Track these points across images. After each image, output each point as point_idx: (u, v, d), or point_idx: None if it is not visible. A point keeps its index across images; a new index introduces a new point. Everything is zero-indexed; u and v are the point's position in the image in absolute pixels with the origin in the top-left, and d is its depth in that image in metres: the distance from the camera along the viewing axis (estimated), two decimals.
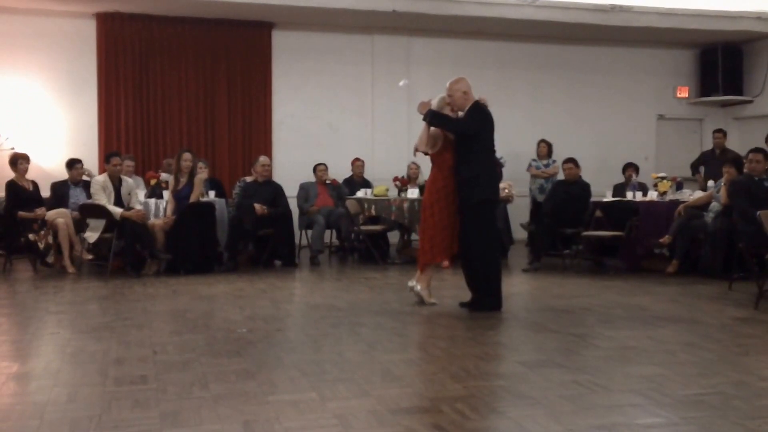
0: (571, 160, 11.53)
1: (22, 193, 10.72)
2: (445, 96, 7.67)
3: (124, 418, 4.08)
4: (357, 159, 13.48)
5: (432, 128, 7.70)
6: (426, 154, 8.03)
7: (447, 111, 7.68)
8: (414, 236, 12.41)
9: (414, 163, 13.34)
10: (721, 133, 13.96)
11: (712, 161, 13.50)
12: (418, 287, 7.76)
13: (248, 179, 12.01)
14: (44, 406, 4.29)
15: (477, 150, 7.44)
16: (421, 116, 7.66)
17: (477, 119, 7.50)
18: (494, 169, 7.76)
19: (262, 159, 11.90)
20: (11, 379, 4.90)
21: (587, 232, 10.80)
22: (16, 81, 13.00)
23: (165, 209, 10.64)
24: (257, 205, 11.04)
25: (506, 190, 12.24)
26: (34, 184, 11.07)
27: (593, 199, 11.31)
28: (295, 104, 14.26)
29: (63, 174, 11.48)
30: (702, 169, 13.89)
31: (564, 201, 11.19)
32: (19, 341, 6.21)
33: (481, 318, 7.13)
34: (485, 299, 7.46)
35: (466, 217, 7.44)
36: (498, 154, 13.04)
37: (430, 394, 4.49)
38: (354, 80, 14.59)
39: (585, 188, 11.24)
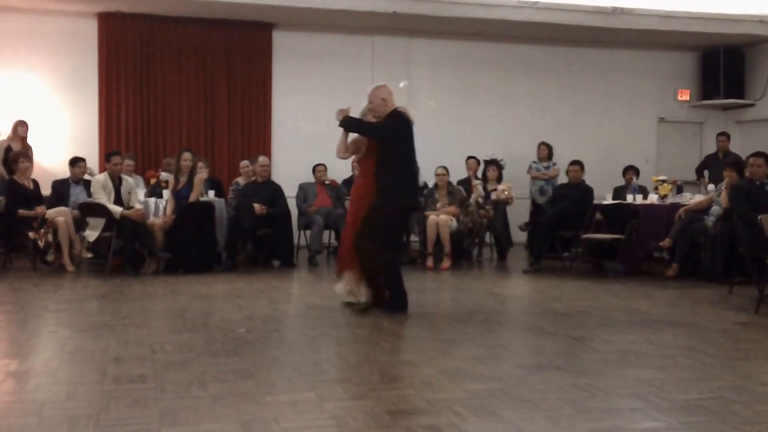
0: (576, 163, 11.52)
1: (23, 192, 10.71)
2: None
3: (123, 416, 4.07)
4: (356, 160, 13.45)
5: (357, 135, 7.72)
6: (344, 159, 8.23)
7: (370, 118, 7.70)
8: (413, 237, 12.43)
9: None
10: (724, 136, 13.96)
11: (715, 164, 13.49)
12: (340, 288, 7.76)
13: (240, 180, 12.02)
14: (43, 403, 4.28)
15: (394, 157, 7.47)
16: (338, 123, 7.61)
17: (392, 125, 7.54)
18: (411, 177, 7.73)
19: (261, 159, 11.91)
20: (10, 376, 4.90)
21: (587, 234, 10.78)
22: (18, 79, 12.99)
23: (165, 208, 10.64)
24: (256, 205, 11.04)
25: (506, 192, 12.27)
26: (35, 182, 11.07)
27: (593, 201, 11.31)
28: (295, 105, 14.25)
29: (64, 172, 11.48)
30: (706, 172, 13.89)
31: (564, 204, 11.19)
32: (18, 339, 6.20)
33: (480, 320, 7.13)
34: (396, 301, 7.43)
35: (381, 219, 7.38)
36: (498, 156, 13.24)
37: (428, 396, 4.48)
38: (354, 81, 14.55)
39: (587, 192, 11.22)
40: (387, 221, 7.33)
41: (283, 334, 6.51)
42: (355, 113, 7.67)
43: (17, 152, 11.28)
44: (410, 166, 7.68)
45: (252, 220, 10.95)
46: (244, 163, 12.29)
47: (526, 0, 13.40)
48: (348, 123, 7.53)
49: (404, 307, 7.39)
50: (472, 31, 14.53)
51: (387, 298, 7.43)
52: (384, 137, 7.53)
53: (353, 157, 8.18)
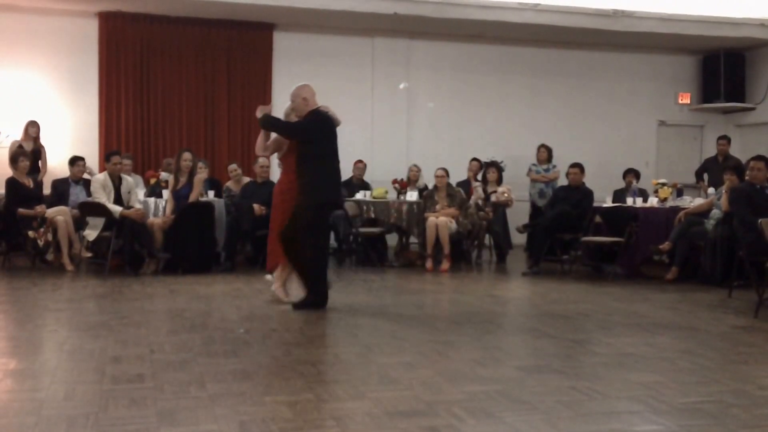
0: (577, 165, 11.48)
1: (22, 191, 10.71)
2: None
3: (121, 416, 4.06)
4: (359, 161, 13.47)
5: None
6: (265, 157, 8.50)
7: (293, 117, 7.83)
8: (412, 239, 12.43)
9: (415, 165, 13.35)
10: (725, 140, 13.94)
11: (715, 168, 13.48)
12: (274, 286, 7.93)
13: (230, 185, 12.00)
14: (41, 403, 4.27)
15: (314, 155, 7.52)
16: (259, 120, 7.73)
17: (308, 124, 7.62)
18: (331, 174, 7.68)
19: (261, 160, 11.89)
20: (9, 375, 4.89)
21: (586, 237, 10.77)
22: (18, 79, 13.00)
23: (164, 208, 10.64)
24: (256, 206, 11.03)
25: (506, 194, 12.27)
26: (35, 181, 11.07)
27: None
28: None
29: (64, 172, 11.49)
30: (705, 176, 13.88)
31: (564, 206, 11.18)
32: (17, 338, 6.19)
33: (479, 322, 7.12)
34: (309, 297, 7.56)
35: (301, 217, 7.48)
36: (497, 158, 13.23)
37: (426, 398, 4.47)
38: (354, 82, 14.59)
39: (587, 194, 11.20)
40: (309, 218, 7.43)
41: (281, 335, 6.50)
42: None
43: (17, 152, 11.28)
44: (331, 164, 7.67)
45: (251, 220, 10.94)
46: (232, 166, 12.20)
47: (526, 2, 13.40)
48: (265, 122, 7.66)
49: (323, 304, 7.54)
50: (473, 33, 14.54)
51: (307, 294, 7.59)
52: (299, 136, 7.65)
53: (276, 154, 8.20)
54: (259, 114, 7.69)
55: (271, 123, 7.67)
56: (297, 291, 7.73)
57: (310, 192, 7.46)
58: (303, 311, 7.41)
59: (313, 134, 7.57)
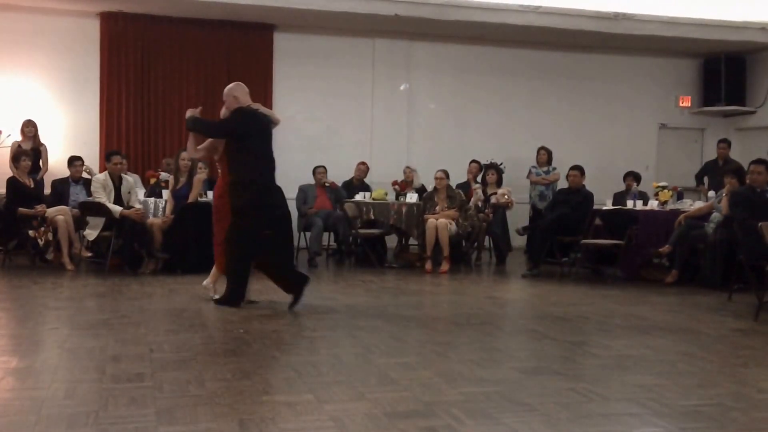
0: (576, 168, 11.48)
1: (23, 190, 10.73)
2: None
3: (121, 414, 4.07)
4: (362, 163, 13.46)
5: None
6: (199, 158, 8.59)
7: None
8: (412, 240, 12.43)
9: (408, 167, 13.37)
10: (725, 143, 13.95)
11: (715, 171, 13.49)
12: (206, 282, 7.98)
13: None
14: (42, 401, 4.27)
15: (242, 155, 7.50)
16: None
17: (230, 122, 7.61)
18: (263, 173, 7.62)
19: None
20: (9, 373, 4.89)
21: (586, 240, 10.77)
22: (19, 78, 13.01)
23: (164, 208, 10.64)
24: None
25: (506, 197, 12.27)
26: (35, 180, 11.08)
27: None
28: (296, 106, 14.25)
29: (65, 171, 11.50)
30: (706, 179, 13.89)
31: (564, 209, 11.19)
32: (17, 336, 6.20)
33: (478, 324, 7.13)
34: (228, 295, 7.63)
35: (232, 218, 7.51)
36: (497, 160, 13.24)
37: (425, 399, 4.48)
38: (354, 84, 14.60)
39: (587, 197, 11.20)
40: (238, 218, 7.45)
41: (281, 335, 6.51)
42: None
43: (19, 151, 11.30)
44: (260, 164, 7.59)
45: None
46: None
47: (528, 4, 13.40)
48: (190, 123, 7.63)
49: (237, 303, 7.59)
50: (474, 34, 14.54)
51: (226, 292, 7.67)
52: (220, 134, 7.67)
53: (216, 157, 8.16)
54: (187, 116, 7.67)
55: (194, 123, 7.62)
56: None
57: (235, 192, 7.47)
58: (222, 307, 7.51)
59: (235, 132, 7.54)
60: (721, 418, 4.24)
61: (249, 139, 7.51)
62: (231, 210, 7.50)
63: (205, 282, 8.04)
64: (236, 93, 7.69)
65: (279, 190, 7.93)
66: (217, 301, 7.66)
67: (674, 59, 16.07)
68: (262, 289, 9.01)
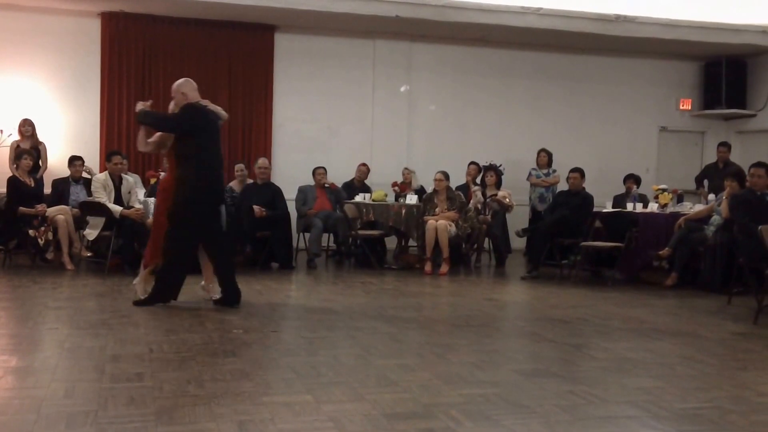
0: (577, 170, 11.49)
1: (23, 189, 10.73)
2: None
3: (120, 414, 4.07)
4: (363, 164, 13.46)
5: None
6: (148, 152, 8.80)
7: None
8: (411, 242, 12.43)
9: (407, 168, 13.38)
10: (725, 146, 13.95)
11: (715, 174, 13.50)
12: (136, 281, 7.93)
13: (233, 185, 11.99)
14: (41, 400, 4.28)
15: (190, 149, 7.50)
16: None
17: (178, 117, 7.63)
18: (208, 170, 7.58)
19: (261, 161, 11.94)
20: (9, 373, 4.90)
21: (586, 242, 10.77)
22: (20, 78, 13.00)
23: None
24: (256, 207, 11.06)
25: (506, 199, 12.27)
26: (36, 180, 11.09)
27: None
28: (296, 107, 14.27)
29: (65, 171, 11.51)
30: (706, 182, 13.89)
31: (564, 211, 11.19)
32: (17, 335, 6.20)
33: (477, 326, 7.13)
34: (157, 290, 7.60)
35: (172, 212, 7.51)
36: (497, 162, 13.23)
37: (424, 400, 4.48)
38: (355, 85, 14.60)
39: (587, 199, 11.20)
40: (179, 213, 7.44)
41: (280, 336, 6.52)
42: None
43: (20, 150, 11.31)
44: (207, 160, 7.57)
45: (251, 221, 10.97)
46: (239, 166, 12.18)
47: (528, 6, 13.40)
48: (140, 116, 7.63)
49: (165, 299, 7.60)
50: (475, 36, 14.54)
51: (153, 290, 7.64)
52: (169, 129, 7.70)
53: (164, 151, 8.21)
54: (137, 109, 7.68)
55: (144, 116, 7.62)
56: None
57: (178, 187, 7.47)
58: (144, 306, 7.51)
59: (183, 127, 7.56)
60: (720, 421, 4.25)
61: (197, 136, 7.52)
62: (172, 204, 7.48)
63: (201, 283, 8.05)
64: (185, 89, 7.73)
65: (222, 188, 7.98)
66: (147, 300, 7.59)
67: (675, 62, 16.07)
68: (262, 290, 9.04)
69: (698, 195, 14.06)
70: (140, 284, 7.80)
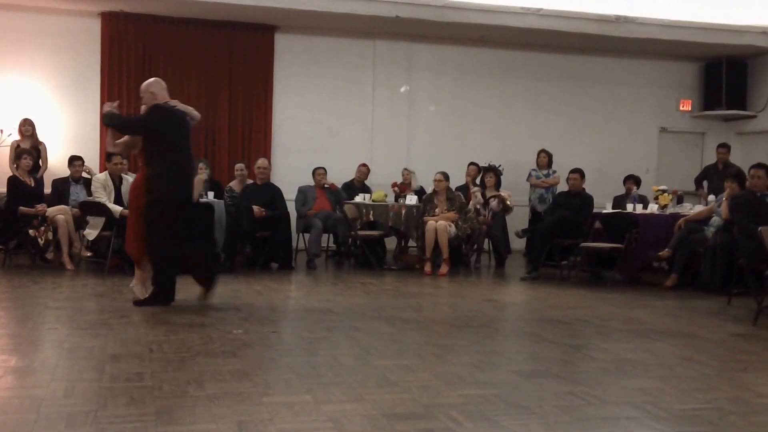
0: (577, 171, 11.50)
1: (23, 189, 10.74)
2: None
3: (120, 414, 4.07)
4: (363, 164, 13.47)
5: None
6: (116, 152, 8.94)
7: None
8: (411, 242, 12.43)
9: (406, 169, 13.38)
10: (724, 148, 13.95)
11: (714, 176, 13.52)
12: (132, 284, 7.91)
13: (233, 185, 12.00)
14: (41, 400, 4.28)
15: (159, 150, 7.54)
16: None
17: (145, 118, 7.67)
18: (177, 170, 7.62)
19: (261, 161, 11.93)
20: (9, 372, 4.90)
21: (586, 243, 10.77)
22: (20, 78, 13.02)
23: None
24: (255, 208, 11.06)
25: (507, 201, 12.27)
26: (36, 179, 11.09)
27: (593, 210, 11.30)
28: (296, 107, 14.28)
29: (65, 171, 11.51)
30: (705, 183, 13.89)
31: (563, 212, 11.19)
32: (17, 335, 6.20)
33: (477, 327, 7.13)
34: (156, 294, 7.61)
35: (146, 213, 7.53)
36: (497, 163, 13.23)
37: (424, 401, 4.48)
38: (355, 85, 14.61)
39: (586, 200, 11.21)
40: (148, 214, 7.47)
41: (280, 337, 6.52)
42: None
43: (20, 149, 11.32)
44: (177, 159, 7.60)
45: (251, 222, 10.97)
46: (239, 166, 12.21)
47: (529, 7, 13.41)
48: (107, 119, 7.65)
49: (167, 302, 7.60)
50: (475, 36, 14.55)
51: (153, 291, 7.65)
52: (135, 131, 7.73)
53: (135, 152, 8.24)
54: (104, 110, 7.70)
55: (110, 119, 7.63)
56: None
57: (149, 188, 7.50)
58: (145, 307, 7.48)
59: (149, 128, 7.58)
60: (719, 422, 4.25)
61: (165, 136, 7.54)
62: (145, 205, 7.51)
63: (131, 284, 7.97)
64: (154, 89, 7.71)
65: (190, 186, 7.95)
66: (140, 303, 7.59)
67: (675, 63, 16.07)
68: (262, 290, 9.04)
69: (698, 196, 14.06)
70: (137, 286, 7.80)
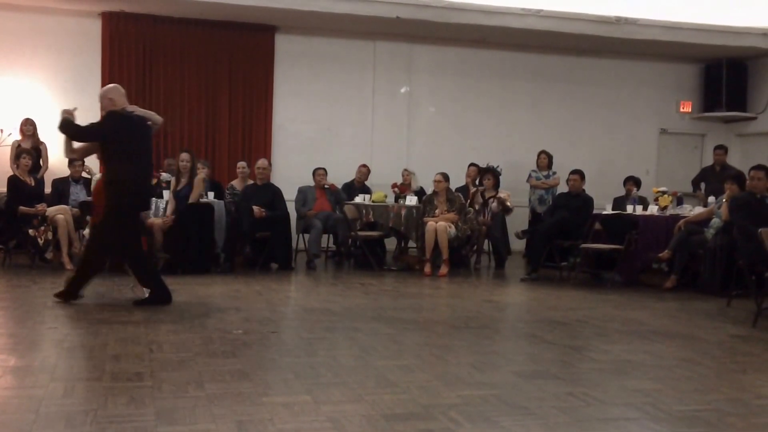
0: (577, 172, 11.51)
1: (24, 189, 10.74)
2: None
3: (120, 413, 4.07)
4: (363, 165, 13.47)
5: None
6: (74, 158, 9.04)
7: None
8: (411, 243, 12.43)
9: (406, 169, 13.37)
10: (722, 149, 13.96)
11: (711, 177, 13.54)
12: (132, 285, 8.07)
13: (235, 183, 12.02)
14: (41, 400, 4.28)
15: (115, 156, 7.60)
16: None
17: (98, 126, 7.73)
18: (137, 176, 7.64)
19: (260, 162, 11.93)
20: (8, 372, 4.90)
21: (586, 244, 10.77)
22: (20, 78, 13.01)
23: (164, 209, 10.65)
24: (255, 208, 11.06)
25: (507, 203, 12.27)
26: (36, 179, 11.10)
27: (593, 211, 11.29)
28: (296, 108, 14.29)
29: (66, 171, 11.51)
30: (702, 185, 13.90)
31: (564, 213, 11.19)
32: (16, 335, 6.20)
33: (477, 327, 7.14)
34: (153, 294, 7.67)
35: (105, 217, 7.63)
36: (496, 164, 13.23)
37: (423, 401, 4.48)
38: (355, 86, 14.62)
39: (586, 201, 11.22)
40: (114, 216, 7.53)
41: (280, 337, 6.52)
42: None
43: (21, 149, 11.33)
44: (134, 164, 7.61)
45: (250, 222, 10.97)
46: (242, 164, 12.25)
47: (529, 8, 13.41)
48: (61, 126, 7.71)
49: (166, 301, 7.68)
50: (475, 37, 14.55)
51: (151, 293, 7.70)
52: (88, 138, 7.83)
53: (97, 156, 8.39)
54: (61, 116, 7.74)
55: (63, 126, 7.68)
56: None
57: (108, 192, 7.59)
58: (145, 307, 7.51)
59: (103, 135, 7.65)
60: (719, 424, 4.25)
61: (121, 142, 7.57)
62: (105, 208, 7.63)
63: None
64: (111, 95, 7.74)
65: (147, 192, 8.03)
66: (140, 303, 7.65)
67: (675, 64, 16.07)
68: (262, 290, 9.05)
69: (695, 197, 14.05)
70: (137, 286, 7.83)
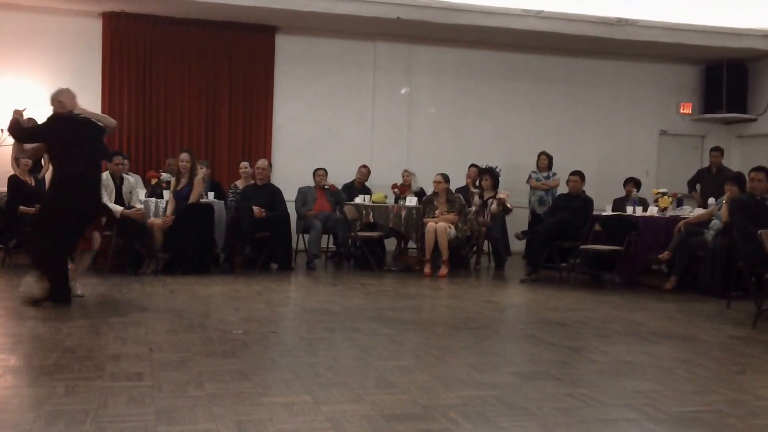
0: (577, 173, 11.51)
1: (24, 188, 10.74)
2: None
3: (120, 413, 4.08)
4: (363, 166, 13.47)
5: None
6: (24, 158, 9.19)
7: None
8: (411, 244, 12.44)
9: (407, 170, 13.37)
10: (718, 151, 13.95)
11: (707, 179, 13.54)
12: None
13: (238, 183, 12.03)
14: (41, 399, 4.29)
15: (59, 157, 7.69)
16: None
17: (39, 128, 7.96)
18: (74, 177, 7.57)
19: (260, 162, 11.93)
20: (9, 371, 4.91)
21: (586, 245, 10.77)
22: (21, 78, 12.99)
23: (165, 208, 10.65)
24: (255, 208, 11.06)
25: (507, 203, 12.27)
26: (36, 179, 11.09)
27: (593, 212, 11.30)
28: (296, 108, 14.29)
29: None
30: (698, 186, 13.90)
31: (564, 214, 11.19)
32: (16, 335, 6.21)
33: (476, 328, 7.14)
34: (53, 292, 7.56)
35: (40, 214, 7.75)
36: (496, 164, 13.23)
37: (423, 402, 4.48)
38: (355, 86, 14.62)
39: (586, 202, 11.22)
40: (44, 213, 7.62)
41: (279, 337, 6.53)
42: None
43: (20, 149, 11.29)
44: (73, 166, 7.59)
45: (250, 222, 10.98)
46: (244, 164, 12.27)
47: (530, 9, 13.41)
48: (11, 129, 7.76)
49: (64, 301, 7.55)
50: (475, 38, 14.55)
51: (50, 290, 7.56)
52: (32, 139, 8.04)
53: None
54: (11, 117, 7.77)
55: (10, 127, 7.75)
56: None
57: (48, 190, 7.82)
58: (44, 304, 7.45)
59: (45, 137, 7.81)
60: (718, 425, 4.25)
61: (63, 144, 7.63)
62: (41, 204, 7.82)
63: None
64: (61, 98, 7.79)
65: (91, 193, 7.91)
66: (38, 301, 7.55)
67: (676, 65, 16.08)
68: (261, 290, 9.05)
69: (692, 198, 14.05)
70: (32, 283, 7.77)
